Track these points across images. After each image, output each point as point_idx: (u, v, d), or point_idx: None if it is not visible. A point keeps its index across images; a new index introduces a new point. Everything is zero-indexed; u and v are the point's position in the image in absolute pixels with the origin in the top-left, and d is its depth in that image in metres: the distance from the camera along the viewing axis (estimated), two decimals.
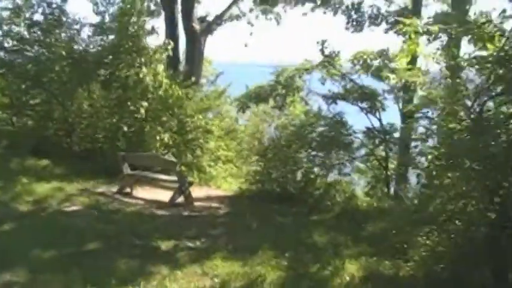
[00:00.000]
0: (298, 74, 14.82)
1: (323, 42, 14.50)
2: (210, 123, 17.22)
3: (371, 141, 14.40)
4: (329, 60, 14.51)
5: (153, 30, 16.78)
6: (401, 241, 10.47)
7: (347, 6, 14.23)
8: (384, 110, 14.33)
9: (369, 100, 14.29)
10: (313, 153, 15.12)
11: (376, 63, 14.84)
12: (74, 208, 12.63)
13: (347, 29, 14.40)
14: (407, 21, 10.01)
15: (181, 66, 19.65)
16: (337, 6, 14.35)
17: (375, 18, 14.12)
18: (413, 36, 10.04)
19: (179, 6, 19.32)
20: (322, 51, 14.55)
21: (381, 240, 11.23)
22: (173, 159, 14.61)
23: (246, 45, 21.58)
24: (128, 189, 14.63)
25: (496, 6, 14.40)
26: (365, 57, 14.90)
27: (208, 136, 17.18)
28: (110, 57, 16.53)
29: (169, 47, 16.44)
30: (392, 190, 14.09)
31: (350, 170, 14.96)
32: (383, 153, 14.45)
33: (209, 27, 20.19)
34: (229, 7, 20.34)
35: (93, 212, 12.41)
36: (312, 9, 20.65)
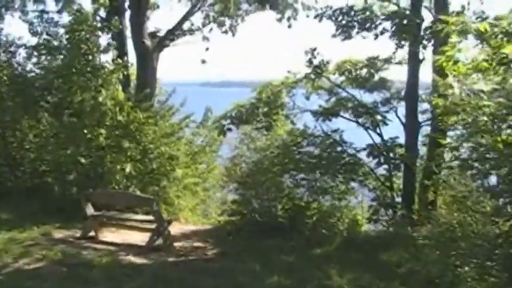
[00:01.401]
0: (285, 89, 12.72)
1: (312, 51, 12.43)
2: (175, 149, 14.83)
3: (371, 159, 12.39)
4: (318, 71, 12.44)
5: (108, 47, 14.21)
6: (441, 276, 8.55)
7: (335, 11, 12.11)
8: (385, 124, 12.34)
9: (368, 114, 12.28)
10: (301, 176, 13.01)
11: (363, 72, 12.89)
12: (37, 265, 9.94)
13: (334, 36, 12.32)
14: (452, 19, 8.03)
15: (132, 87, 17.07)
16: (323, 11, 12.22)
17: (366, 23, 12.14)
18: (455, 38, 8.05)
19: (127, 21, 16.89)
20: (310, 61, 12.47)
21: (409, 275, 9.30)
22: (148, 196, 12.21)
23: (203, 62, 19.10)
24: (92, 233, 12.07)
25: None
26: (349, 66, 12.94)
27: (174, 163, 14.79)
28: (60, 80, 13.84)
29: (129, 65, 14.02)
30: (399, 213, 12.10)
31: (346, 192, 12.89)
32: (384, 172, 12.48)
33: (161, 43, 17.74)
34: (182, 21, 18.04)
35: (61, 269, 9.73)
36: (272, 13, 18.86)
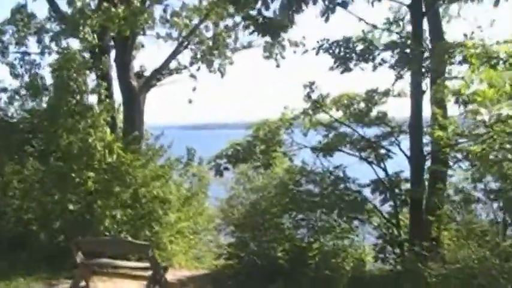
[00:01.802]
0: (283, 126, 12.10)
1: (311, 84, 11.88)
2: (167, 192, 14.06)
3: (376, 195, 11.73)
4: (318, 106, 11.86)
5: (97, 87, 13.49)
6: None
7: (332, 43, 11.57)
8: (390, 158, 11.72)
9: (371, 148, 11.67)
10: (300, 216, 12.32)
11: (361, 106, 12.33)
12: None
13: (332, 69, 11.77)
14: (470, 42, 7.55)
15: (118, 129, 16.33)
16: (320, 44, 11.66)
17: (365, 54, 11.63)
18: (475, 62, 7.55)
19: (111, 61, 16.24)
20: (308, 95, 11.90)
21: None
22: (143, 242, 11.42)
23: (190, 102, 18.48)
24: (83, 283, 11.21)
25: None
26: (346, 101, 12.38)
27: (166, 207, 14.01)
28: (45, 123, 13.08)
29: (117, 107, 13.37)
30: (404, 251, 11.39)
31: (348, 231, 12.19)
32: (389, 209, 11.80)
33: (148, 83, 17.18)
34: (169, 60, 17.48)
35: None
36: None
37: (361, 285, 10.79)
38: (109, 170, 12.94)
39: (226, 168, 11.94)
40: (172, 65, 17.57)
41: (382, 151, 11.67)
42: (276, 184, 12.64)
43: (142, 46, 18.14)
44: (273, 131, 11.87)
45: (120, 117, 15.95)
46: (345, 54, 11.70)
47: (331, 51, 11.74)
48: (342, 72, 11.90)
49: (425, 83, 11.56)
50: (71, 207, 12.55)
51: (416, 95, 11.32)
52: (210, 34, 17.84)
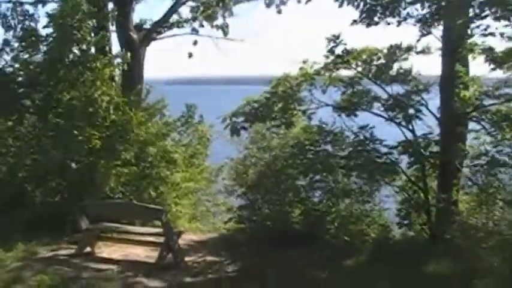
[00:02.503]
0: (304, 82, 10.96)
1: (336, 38, 10.74)
2: (173, 151, 12.97)
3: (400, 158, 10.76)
4: (342, 61, 10.74)
5: (103, 38, 12.09)
6: None
7: None
8: (419, 119, 10.68)
9: (399, 107, 10.61)
10: (317, 177, 11.33)
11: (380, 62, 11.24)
12: None
13: (355, 22, 10.63)
14: None
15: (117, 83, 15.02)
16: None
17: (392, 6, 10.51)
18: None
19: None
20: (331, 50, 10.78)
21: None
22: (156, 206, 10.40)
23: (190, 56, 17.21)
24: (88, 249, 10.22)
25: None
26: (365, 56, 11.27)
27: (172, 166, 12.94)
28: (43, 76, 11.60)
29: (126, 59, 12.10)
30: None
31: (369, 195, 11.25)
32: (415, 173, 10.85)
33: (148, 36, 15.88)
34: (169, 13, 16.17)
35: None
36: None
37: (388, 254, 9.88)
38: (112, 127, 11.77)
39: (243, 128, 10.83)
40: (174, 19, 16.36)
41: (411, 111, 10.58)
42: (293, 144, 11.59)
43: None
44: (295, 86, 10.74)
45: (117, 71, 14.66)
46: (371, 6, 10.56)
47: (356, 2, 10.59)
48: (367, 26, 10.81)
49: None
50: (72, 165, 11.41)
51: (450, 51, 10.25)
52: None
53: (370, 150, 10.48)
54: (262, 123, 11.45)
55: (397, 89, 11.19)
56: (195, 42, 16.83)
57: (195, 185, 14.32)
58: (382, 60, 11.29)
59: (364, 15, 10.58)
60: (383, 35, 11.99)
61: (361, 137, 10.71)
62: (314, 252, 10.17)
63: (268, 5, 17.18)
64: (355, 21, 10.81)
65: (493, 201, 10.67)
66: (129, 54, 12.47)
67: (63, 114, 11.48)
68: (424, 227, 10.51)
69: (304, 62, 11.01)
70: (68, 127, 11.42)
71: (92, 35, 11.78)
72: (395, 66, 11.23)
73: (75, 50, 11.43)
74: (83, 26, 11.10)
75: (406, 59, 11.33)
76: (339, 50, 10.79)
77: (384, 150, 10.68)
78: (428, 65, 11.90)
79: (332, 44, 10.71)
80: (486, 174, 10.63)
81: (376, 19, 10.77)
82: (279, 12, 17.42)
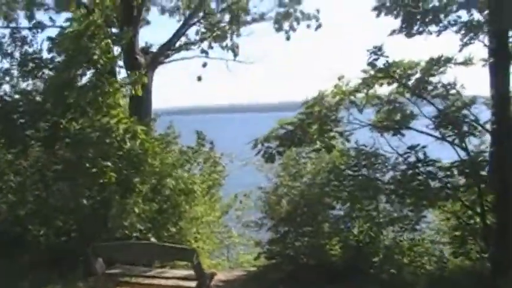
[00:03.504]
0: (343, 100, 9.63)
1: (378, 49, 9.48)
2: (191, 182, 11.58)
3: (455, 180, 9.39)
4: (385, 75, 9.46)
5: (114, 60, 10.63)
6: None
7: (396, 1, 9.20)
8: (474, 135, 9.37)
9: (452, 124, 9.28)
10: (357, 205, 9.96)
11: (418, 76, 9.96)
12: None
13: (394, 33, 9.41)
14: None
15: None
16: (381, 2, 9.30)
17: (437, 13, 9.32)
18: None
19: None
20: (372, 63, 9.51)
21: None
22: (186, 246, 8.98)
23: (199, 79, 15.97)
24: None
25: None
26: (400, 71, 9.98)
27: (191, 199, 11.54)
28: (48, 104, 10.15)
29: (142, 80, 10.66)
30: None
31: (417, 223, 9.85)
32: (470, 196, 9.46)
33: (155, 59, 14.65)
34: (177, 35, 14.92)
35: None
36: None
37: (444, 286, 8.51)
38: (127, 158, 10.35)
39: (279, 153, 9.42)
40: (182, 41, 15.14)
41: (465, 128, 9.24)
42: (329, 169, 10.22)
43: (148, 23, 15.50)
44: (332, 106, 9.39)
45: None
46: (412, 13, 9.35)
47: (395, 12, 9.37)
48: (407, 36, 9.58)
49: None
50: (83, 202, 9.93)
51: (503, 59, 8.99)
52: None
53: (425, 173, 9.12)
54: (296, 148, 10.08)
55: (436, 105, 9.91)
56: (205, 65, 15.64)
57: (214, 218, 12.92)
58: (419, 75, 10.02)
59: (405, 24, 9.34)
60: (420, 48, 10.75)
61: (413, 159, 9.32)
62: None
63: (277, 30, 16.24)
64: (394, 31, 9.59)
65: None
66: (144, 76, 11.01)
67: (71, 145, 10.06)
68: (483, 256, 9.11)
69: (340, 78, 9.69)
70: (77, 159, 10.03)
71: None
72: (435, 80, 9.95)
73: (88, 73, 10.05)
74: (99, 45, 9.69)
75: (443, 72, 10.05)
76: (380, 63, 9.48)
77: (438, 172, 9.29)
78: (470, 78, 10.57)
79: (373, 57, 9.41)
80: None
81: (416, 28, 9.57)
82: (288, 38, 16.54)
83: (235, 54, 15.64)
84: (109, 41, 9.94)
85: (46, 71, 10.66)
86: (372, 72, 9.49)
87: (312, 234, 10.18)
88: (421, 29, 9.67)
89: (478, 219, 9.23)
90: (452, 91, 9.79)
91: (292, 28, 16.44)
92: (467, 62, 9.99)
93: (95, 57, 9.61)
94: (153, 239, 10.50)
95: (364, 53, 9.86)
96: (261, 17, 16.17)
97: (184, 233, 11.41)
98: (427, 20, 9.62)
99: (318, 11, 16.47)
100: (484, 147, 9.81)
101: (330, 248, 10.09)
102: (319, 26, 16.65)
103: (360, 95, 9.92)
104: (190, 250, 8.43)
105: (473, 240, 9.34)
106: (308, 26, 16.60)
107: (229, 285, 9.83)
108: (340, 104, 9.47)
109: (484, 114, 9.81)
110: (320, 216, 10.11)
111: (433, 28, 9.67)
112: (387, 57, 9.45)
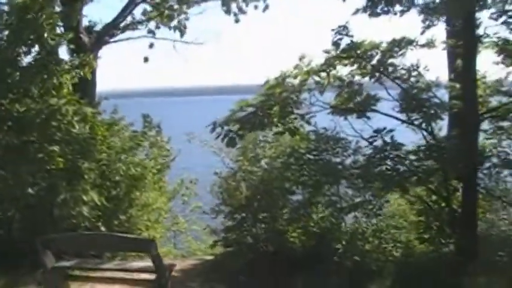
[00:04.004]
0: (306, 81, 9.08)
1: (343, 28, 8.97)
2: (141, 167, 10.85)
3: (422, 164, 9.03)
4: (348, 56, 8.99)
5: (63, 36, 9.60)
6: None
7: None
8: (441, 119, 9.02)
9: (419, 108, 8.89)
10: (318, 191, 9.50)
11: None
12: None
13: (357, 12, 9.00)
14: None
15: None
16: None
17: None
18: None
19: None
20: (336, 43, 9.02)
21: None
22: (143, 237, 8.28)
23: (146, 60, 15.07)
24: None
25: None
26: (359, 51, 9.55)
27: (141, 185, 10.81)
28: None
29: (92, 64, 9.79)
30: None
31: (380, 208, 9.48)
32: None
33: (99, 39, 13.67)
34: (122, 14, 13.96)
35: None
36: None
37: (413, 273, 8.20)
38: (74, 143, 9.51)
39: (240, 136, 8.80)
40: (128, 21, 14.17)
41: (431, 111, 8.86)
42: (289, 153, 9.71)
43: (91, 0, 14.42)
44: (297, 86, 8.84)
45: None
46: None
47: None
48: (370, 16, 9.18)
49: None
50: (29, 190, 9.04)
51: (469, 42, 8.68)
52: None
53: (394, 157, 8.72)
54: (257, 131, 9.50)
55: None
56: (151, 45, 14.74)
57: (162, 204, 12.20)
58: (379, 56, 9.62)
59: (369, 3, 8.92)
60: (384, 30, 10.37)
61: (379, 142, 8.90)
62: (327, 278, 8.40)
63: (226, 12, 15.50)
64: (358, 10, 9.17)
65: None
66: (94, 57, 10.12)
67: (14, 128, 9.13)
68: (449, 241, 8.85)
69: (301, 58, 9.15)
70: (21, 143, 9.12)
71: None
72: (397, 62, 9.58)
73: (33, 51, 9.08)
74: (48, 21, 8.72)
75: (403, 54, 9.68)
76: (343, 44, 9.00)
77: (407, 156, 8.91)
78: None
79: (338, 36, 8.91)
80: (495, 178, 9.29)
81: (380, 7, 9.19)
82: (237, 21, 15.81)
83: (182, 34, 14.85)
84: (57, 16, 9.02)
85: None
86: (335, 53, 9.00)
87: (271, 221, 9.70)
88: (385, 8, 9.32)
89: (443, 204, 8.96)
90: (414, 73, 9.49)
91: (241, 10, 15.80)
92: (429, 44, 9.70)
93: (44, 33, 8.68)
94: (102, 228, 9.79)
95: (323, 35, 9.47)
96: None
97: (134, 221, 10.70)
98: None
99: None
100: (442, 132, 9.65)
101: (290, 235, 9.65)
102: (266, 8, 16.10)
103: (323, 76, 9.43)
104: (149, 241, 7.78)
105: (439, 226, 9.06)
106: (256, 7, 16.01)
107: (187, 276, 9.21)
108: (304, 85, 8.94)
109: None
110: (280, 201, 9.63)
111: (397, 8, 9.36)
112: (352, 36, 8.99)
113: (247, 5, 15.73)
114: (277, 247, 9.49)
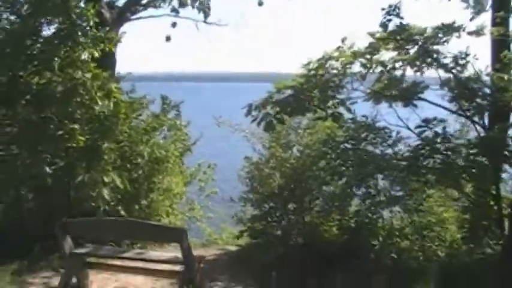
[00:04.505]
0: (351, 63, 8.30)
1: (394, 8, 8.18)
2: (164, 150, 10.11)
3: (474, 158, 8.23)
4: (398, 38, 8.22)
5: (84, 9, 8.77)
6: None
7: None
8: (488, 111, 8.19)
9: (471, 98, 8.08)
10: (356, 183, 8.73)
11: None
12: None
13: None
14: None
15: None
16: None
17: None
18: None
19: None
20: (385, 24, 8.24)
21: None
22: (175, 226, 7.62)
23: (168, 39, 14.30)
24: (74, 279, 7.24)
25: None
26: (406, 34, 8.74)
27: (164, 168, 10.09)
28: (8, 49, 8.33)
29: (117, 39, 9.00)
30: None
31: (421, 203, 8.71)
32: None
33: (121, 15, 12.87)
34: None
35: None
36: None
37: (458, 276, 7.48)
38: (96, 121, 8.76)
39: (279, 120, 8.03)
40: None
41: (484, 101, 8.06)
42: (325, 141, 8.95)
43: None
44: (342, 69, 8.05)
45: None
46: None
47: None
48: None
49: None
50: (47, 170, 8.30)
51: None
52: None
53: (448, 149, 7.92)
54: (297, 116, 8.72)
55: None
56: (174, 25, 13.96)
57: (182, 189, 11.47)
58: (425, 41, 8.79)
59: None
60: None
61: (431, 134, 8.10)
62: (366, 276, 7.69)
63: None
64: None
65: None
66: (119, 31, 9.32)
67: (32, 103, 8.38)
68: (497, 242, 8.10)
69: (343, 40, 8.36)
70: (38, 120, 8.37)
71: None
72: (444, 49, 8.76)
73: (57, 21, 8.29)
74: None
75: (447, 41, 8.87)
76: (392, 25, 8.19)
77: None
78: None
79: (387, 17, 8.11)
80: None
81: None
82: (260, 4, 15.05)
83: (206, 15, 14.05)
84: None
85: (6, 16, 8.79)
86: (382, 35, 8.19)
87: (303, 212, 8.97)
88: None
89: (492, 202, 8.20)
90: (462, 62, 8.68)
91: None
92: (479, 32, 8.90)
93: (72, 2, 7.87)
94: (122, 213, 9.09)
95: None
96: None
97: (156, 206, 10.00)
98: None
99: None
100: None
101: (323, 228, 8.92)
102: None
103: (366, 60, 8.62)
104: (182, 230, 7.06)
105: (487, 225, 8.31)
106: None
107: (213, 268, 8.48)
108: (348, 68, 8.14)
109: None
110: (314, 192, 8.90)
111: None
112: (402, 18, 8.19)
113: None
114: (309, 240, 8.79)
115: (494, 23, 9.45)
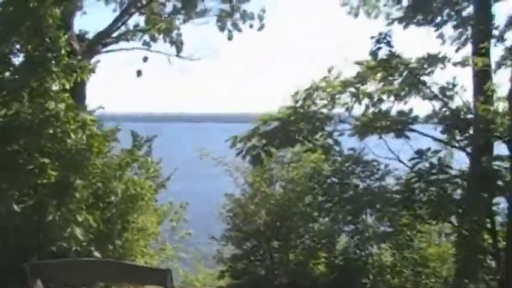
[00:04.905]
0: (341, 93, 7.90)
1: (384, 36, 7.86)
2: (140, 186, 9.49)
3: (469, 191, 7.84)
4: (388, 66, 7.88)
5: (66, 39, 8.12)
6: None
7: None
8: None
9: (465, 129, 7.72)
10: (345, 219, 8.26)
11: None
12: None
13: (391, 23, 8.00)
14: None
15: None
16: None
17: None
18: None
19: None
20: (374, 53, 7.93)
21: None
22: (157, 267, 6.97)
23: (139, 74, 13.76)
24: None
25: None
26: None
27: (138, 207, 9.45)
28: None
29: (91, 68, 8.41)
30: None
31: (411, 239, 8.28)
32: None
33: (91, 47, 12.31)
34: (116, 22, 12.65)
35: None
36: None
37: None
38: (67, 155, 8.11)
39: (267, 153, 7.52)
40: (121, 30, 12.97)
41: (478, 133, 7.74)
42: (311, 175, 8.49)
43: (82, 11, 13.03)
44: (332, 98, 7.65)
45: None
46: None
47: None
48: (405, 27, 8.15)
49: None
50: (15, 207, 7.57)
51: None
52: None
53: (443, 181, 7.53)
54: (286, 147, 8.24)
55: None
56: (145, 59, 13.49)
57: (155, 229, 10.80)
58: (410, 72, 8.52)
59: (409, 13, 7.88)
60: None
61: (425, 165, 7.70)
62: None
63: (221, 29, 14.60)
64: (393, 21, 8.10)
65: None
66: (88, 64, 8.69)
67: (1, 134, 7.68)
68: (494, 278, 7.70)
69: (330, 70, 8.00)
70: (5, 153, 7.68)
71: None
72: (429, 79, 8.50)
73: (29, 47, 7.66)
74: (51, 13, 7.35)
75: (431, 72, 8.61)
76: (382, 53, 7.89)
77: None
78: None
79: (377, 45, 7.81)
80: None
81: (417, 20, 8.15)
82: (230, 38, 14.86)
83: (179, 50, 13.66)
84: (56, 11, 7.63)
85: None
86: (370, 64, 7.87)
87: (288, 250, 8.46)
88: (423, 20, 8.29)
89: (485, 236, 7.82)
90: (449, 93, 8.42)
91: (236, 27, 14.87)
92: (464, 63, 8.72)
93: (45, 25, 7.28)
94: (96, 253, 8.39)
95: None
96: (203, 13, 14.44)
97: (130, 247, 9.31)
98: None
99: (263, 11, 15.10)
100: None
101: (310, 266, 8.40)
102: (262, 27, 15.27)
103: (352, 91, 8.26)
104: (165, 271, 6.44)
105: (481, 259, 7.92)
106: (251, 26, 15.14)
107: None
108: (338, 99, 7.76)
109: None
110: (301, 229, 8.40)
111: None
112: (392, 47, 7.90)
113: (244, 22, 14.90)
114: (295, 279, 8.25)
115: (475, 54, 9.37)
